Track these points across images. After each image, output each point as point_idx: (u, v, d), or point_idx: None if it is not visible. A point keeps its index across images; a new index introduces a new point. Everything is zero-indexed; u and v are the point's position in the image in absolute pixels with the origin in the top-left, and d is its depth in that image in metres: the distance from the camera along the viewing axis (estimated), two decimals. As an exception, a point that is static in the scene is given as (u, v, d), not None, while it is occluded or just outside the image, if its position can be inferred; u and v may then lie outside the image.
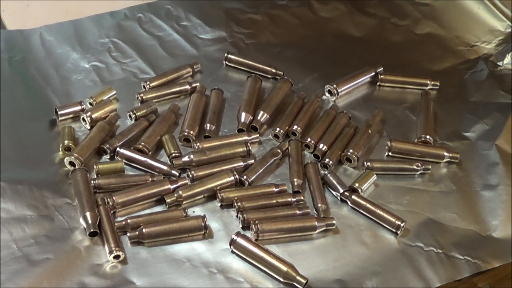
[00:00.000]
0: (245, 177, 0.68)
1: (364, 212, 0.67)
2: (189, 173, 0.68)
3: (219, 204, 0.66)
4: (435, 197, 0.69)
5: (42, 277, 0.59)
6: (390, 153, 0.73)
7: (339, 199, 0.68)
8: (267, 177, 0.70)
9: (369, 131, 0.73)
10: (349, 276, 0.62)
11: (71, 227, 0.63)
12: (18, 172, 0.67)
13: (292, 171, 0.69)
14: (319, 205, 0.66)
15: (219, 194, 0.66)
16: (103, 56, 0.81)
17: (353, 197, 0.67)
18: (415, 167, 0.71)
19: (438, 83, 0.81)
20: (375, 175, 0.69)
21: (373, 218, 0.66)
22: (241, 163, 0.69)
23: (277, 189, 0.67)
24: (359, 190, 0.68)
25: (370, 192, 0.69)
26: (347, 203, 0.68)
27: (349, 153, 0.71)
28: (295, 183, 0.68)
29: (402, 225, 0.65)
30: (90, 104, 0.74)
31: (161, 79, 0.78)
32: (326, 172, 0.70)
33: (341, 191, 0.67)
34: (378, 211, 0.66)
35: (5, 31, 0.83)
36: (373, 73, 0.81)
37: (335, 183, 0.68)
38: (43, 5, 0.88)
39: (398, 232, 0.65)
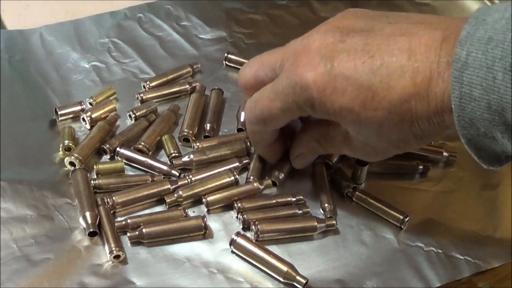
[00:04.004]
0: (251, 178, 0.68)
1: (368, 207, 0.67)
2: (187, 176, 0.67)
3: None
4: (435, 197, 0.69)
5: (42, 277, 0.59)
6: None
7: (345, 195, 0.68)
8: (268, 177, 0.70)
9: None
10: (349, 276, 0.62)
11: (71, 227, 0.63)
12: (18, 172, 0.67)
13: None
14: (326, 205, 0.66)
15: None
16: (103, 56, 0.81)
17: (358, 192, 0.67)
18: (414, 166, 0.71)
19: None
20: None
21: (377, 213, 0.66)
22: (237, 164, 0.69)
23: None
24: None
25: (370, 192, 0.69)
26: (350, 202, 0.68)
27: None
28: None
29: (406, 219, 0.65)
30: (90, 104, 0.74)
31: (161, 79, 0.78)
32: (333, 169, 0.70)
33: (347, 187, 0.68)
34: (382, 206, 0.66)
35: (5, 31, 0.83)
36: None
37: (342, 179, 0.68)
38: (43, 5, 0.88)
39: (402, 227, 0.65)
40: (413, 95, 0.51)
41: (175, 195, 0.65)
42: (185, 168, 0.69)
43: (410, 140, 0.55)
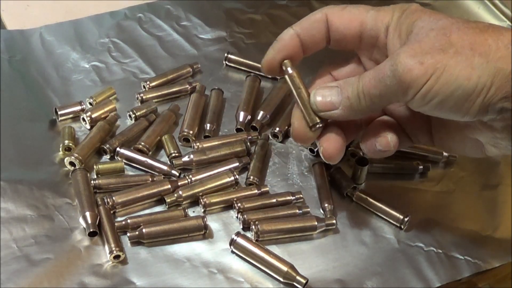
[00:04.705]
0: (251, 177, 0.68)
1: (368, 207, 0.67)
2: (187, 176, 0.67)
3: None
4: (435, 197, 0.69)
5: (42, 277, 0.59)
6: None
7: (345, 195, 0.68)
8: (268, 177, 0.70)
9: None
10: (349, 276, 0.62)
11: (71, 227, 0.63)
12: (18, 172, 0.67)
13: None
14: (326, 205, 0.66)
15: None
16: (103, 56, 0.81)
17: (358, 192, 0.67)
18: (415, 166, 0.71)
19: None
20: None
21: (377, 213, 0.66)
22: (237, 164, 0.69)
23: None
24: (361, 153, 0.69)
25: (370, 192, 0.69)
26: (350, 202, 0.68)
27: (354, 148, 0.71)
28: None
29: (406, 219, 0.65)
30: (90, 104, 0.74)
31: (161, 79, 0.78)
32: (333, 169, 0.70)
33: (347, 187, 0.68)
34: (382, 206, 0.66)
35: (5, 31, 0.83)
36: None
37: (342, 179, 0.68)
38: (43, 5, 0.88)
39: (402, 227, 0.65)
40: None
41: (175, 195, 0.65)
42: (185, 168, 0.69)
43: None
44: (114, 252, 0.60)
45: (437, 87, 0.51)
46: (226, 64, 0.82)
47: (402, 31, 0.56)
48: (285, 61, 0.60)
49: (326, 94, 0.58)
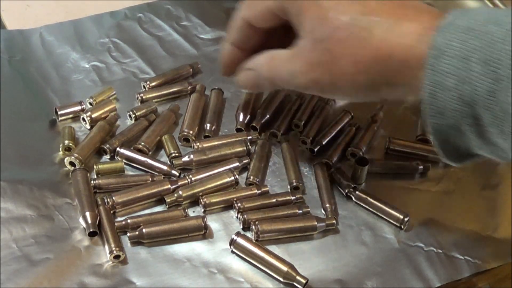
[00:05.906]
0: (251, 177, 0.68)
1: (368, 207, 0.67)
2: (187, 176, 0.67)
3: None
4: (435, 197, 0.70)
5: (42, 277, 0.59)
6: (389, 151, 0.73)
7: (345, 195, 0.68)
8: (268, 177, 0.70)
9: (375, 128, 0.73)
10: (349, 276, 0.62)
11: (71, 227, 0.63)
12: (18, 172, 0.67)
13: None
14: (327, 205, 0.66)
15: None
16: (103, 56, 0.81)
17: (358, 192, 0.67)
18: (414, 166, 0.71)
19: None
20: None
21: (377, 213, 0.66)
22: (237, 164, 0.69)
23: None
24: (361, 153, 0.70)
25: (370, 192, 0.69)
26: (350, 202, 0.68)
27: (354, 148, 0.71)
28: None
29: (406, 219, 0.65)
30: (90, 104, 0.74)
31: (161, 79, 0.78)
32: (333, 169, 0.70)
33: (347, 187, 0.68)
34: (382, 206, 0.66)
35: (5, 31, 0.83)
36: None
37: (342, 179, 0.68)
38: (43, 5, 0.88)
39: (402, 227, 0.65)
40: (386, 58, 0.52)
41: (175, 195, 0.65)
42: (185, 168, 0.69)
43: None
44: (114, 252, 0.60)
45: None
46: (226, 64, 0.82)
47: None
48: (283, 143, 0.71)
49: (248, 79, 0.65)
